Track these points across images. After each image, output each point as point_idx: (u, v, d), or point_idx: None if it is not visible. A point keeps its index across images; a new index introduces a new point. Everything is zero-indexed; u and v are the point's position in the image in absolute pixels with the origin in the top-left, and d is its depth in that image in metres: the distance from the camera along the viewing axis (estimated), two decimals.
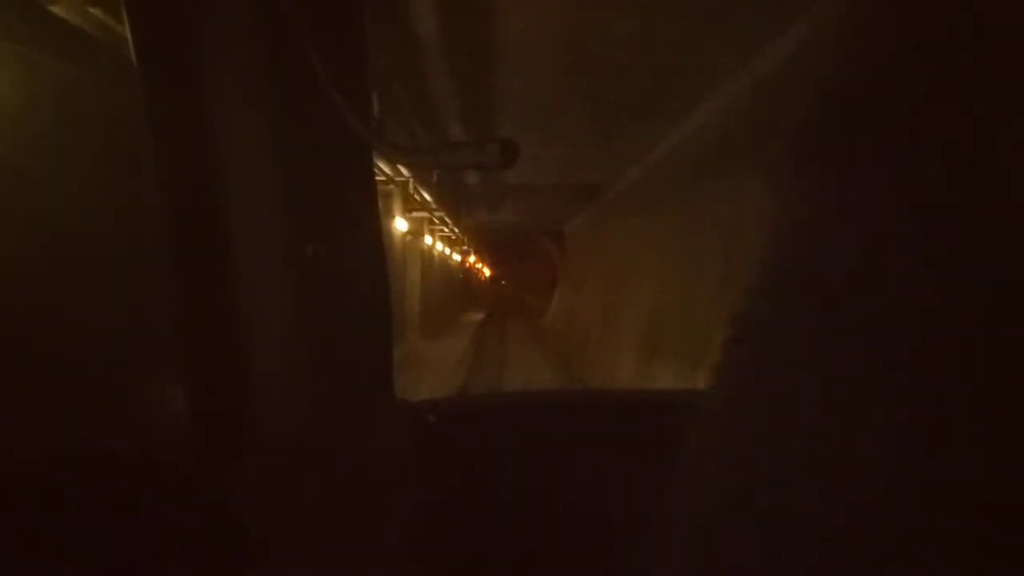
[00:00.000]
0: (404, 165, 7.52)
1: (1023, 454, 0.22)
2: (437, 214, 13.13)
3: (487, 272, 39.52)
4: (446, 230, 15.81)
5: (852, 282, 0.29)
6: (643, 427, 0.98)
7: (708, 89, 6.55)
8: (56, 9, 1.63)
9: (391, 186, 9.17)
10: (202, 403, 0.85)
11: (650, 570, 0.48)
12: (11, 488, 0.71)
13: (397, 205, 9.78)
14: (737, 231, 5.57)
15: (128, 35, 0.76)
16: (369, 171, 1.02)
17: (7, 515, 0.68)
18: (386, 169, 7.73)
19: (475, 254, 30.42)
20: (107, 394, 0.95)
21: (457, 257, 22.02)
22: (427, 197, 11.33)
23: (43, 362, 0.89)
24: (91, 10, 1.78)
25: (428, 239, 13.45)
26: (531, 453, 0.96)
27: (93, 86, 1.07)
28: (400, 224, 10.10)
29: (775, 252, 0.31)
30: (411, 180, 9.71)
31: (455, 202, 14.96)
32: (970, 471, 0.23)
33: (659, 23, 4.94)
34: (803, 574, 0.26)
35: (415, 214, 11.58)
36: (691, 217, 7.51)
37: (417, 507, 0.89)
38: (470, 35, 5.41)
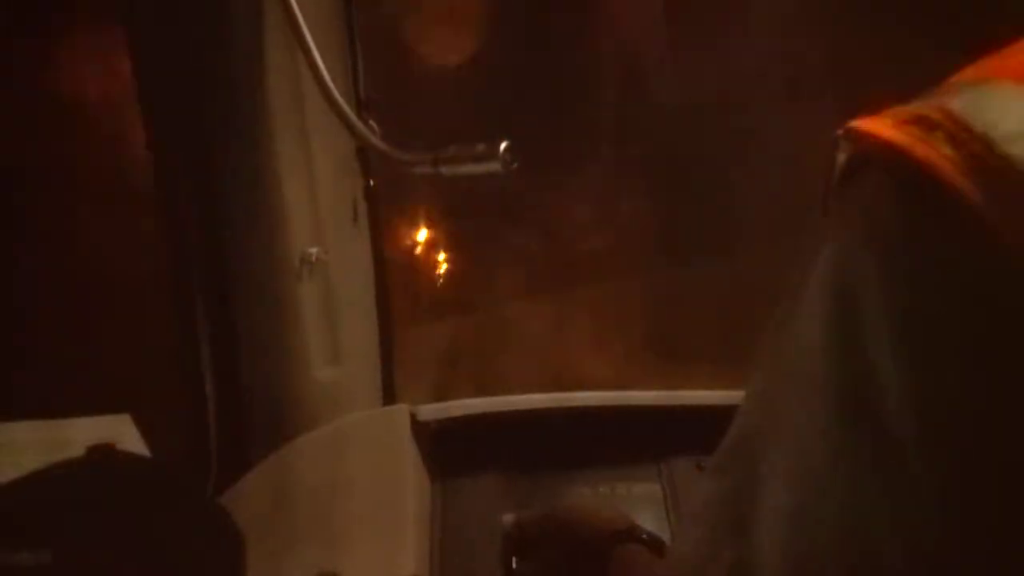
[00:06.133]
0: (402, 171, 7.47)
1: None
2: None
3: None
4: None
5: None
6: (650, 437, 0.96)
7: None
8: None
9: None
10: (201, 410, 0.85)
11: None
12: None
13: None
14: None
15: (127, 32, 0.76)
16: (368, 174, 1.01)
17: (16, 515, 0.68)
18: None
19: None
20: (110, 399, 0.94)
21: None
22: None
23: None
24: None
25: None
26: (533, 457, 0.95)
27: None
28: None
29: None
30: None
31: None
32: None
33: None
34: None
35: None
36: None
37: (417, 508, 0.88)
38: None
